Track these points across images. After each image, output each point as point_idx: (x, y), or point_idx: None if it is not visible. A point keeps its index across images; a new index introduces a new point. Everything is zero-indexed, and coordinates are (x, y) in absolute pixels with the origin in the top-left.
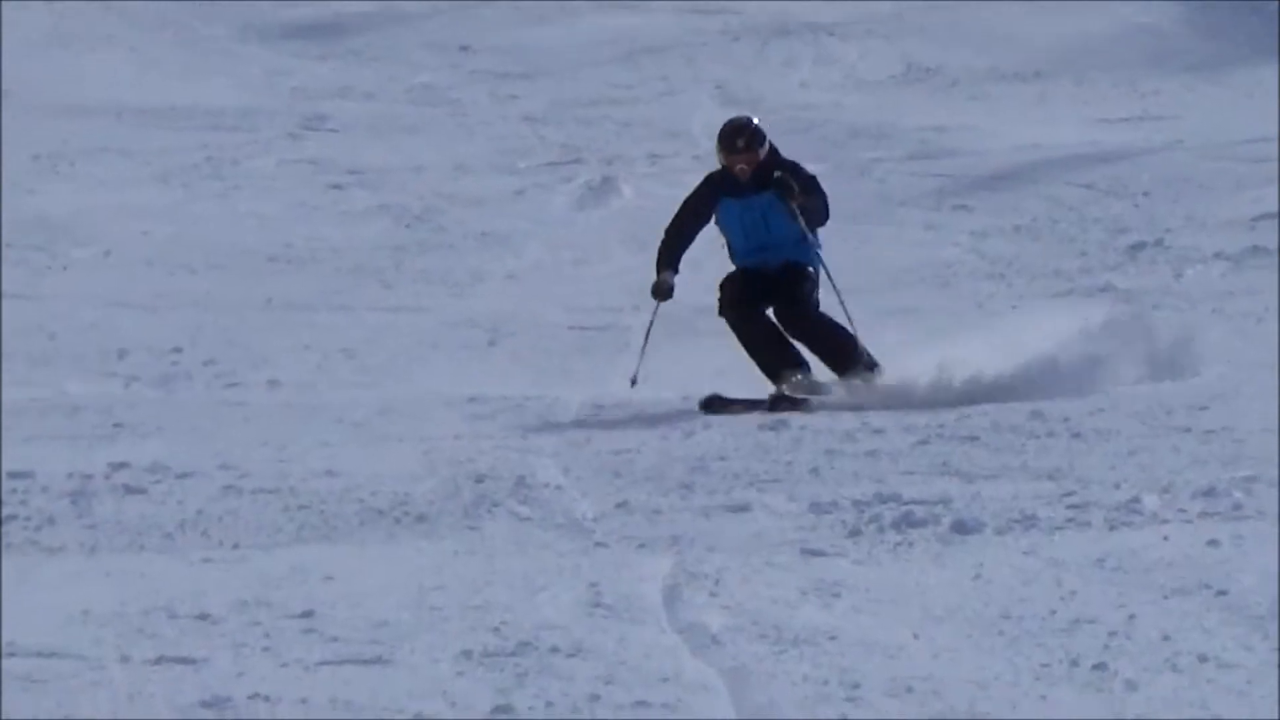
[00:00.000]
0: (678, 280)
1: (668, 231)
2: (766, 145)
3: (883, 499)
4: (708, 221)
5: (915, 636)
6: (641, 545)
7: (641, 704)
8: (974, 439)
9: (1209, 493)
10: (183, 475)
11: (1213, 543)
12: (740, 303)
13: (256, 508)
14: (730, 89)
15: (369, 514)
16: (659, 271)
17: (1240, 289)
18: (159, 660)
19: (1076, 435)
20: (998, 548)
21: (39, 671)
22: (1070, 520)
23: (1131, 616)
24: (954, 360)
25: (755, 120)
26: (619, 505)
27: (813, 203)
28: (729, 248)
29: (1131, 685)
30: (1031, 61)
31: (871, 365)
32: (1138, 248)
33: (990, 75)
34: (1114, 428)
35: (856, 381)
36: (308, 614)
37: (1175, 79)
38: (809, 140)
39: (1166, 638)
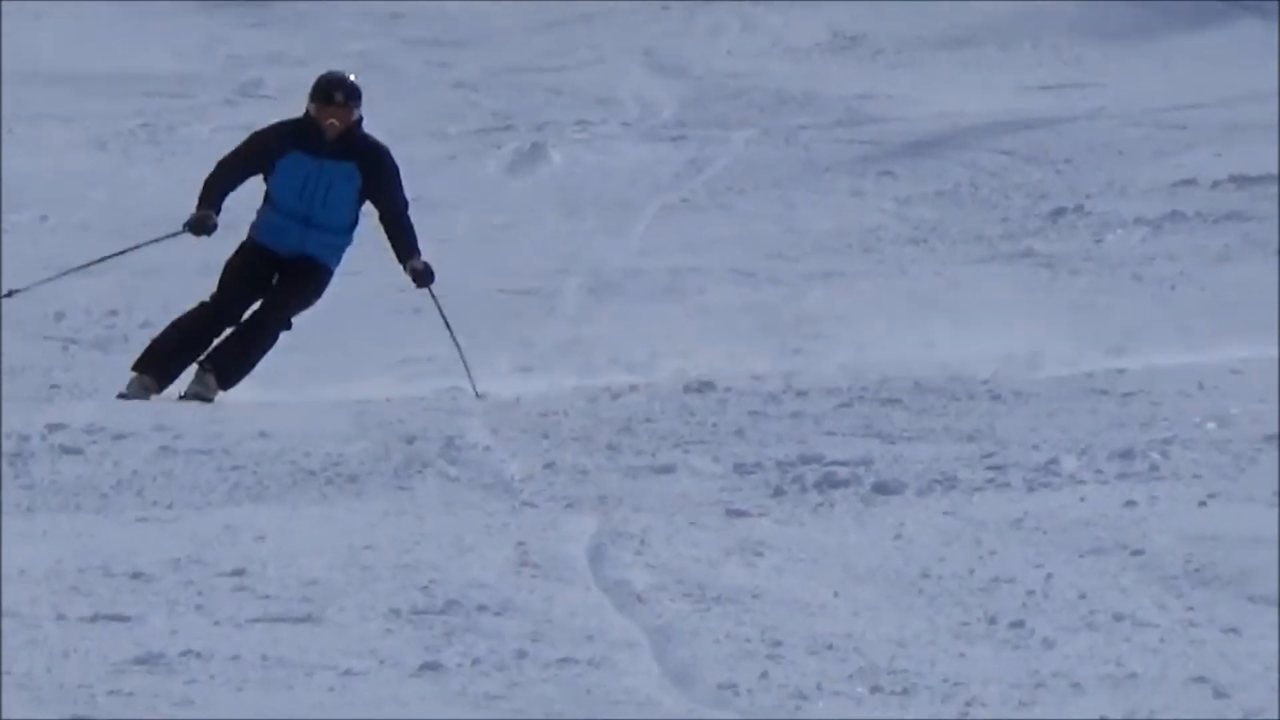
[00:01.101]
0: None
1: (222, 164)
2: (360, 107)
3: (805, 460)
4: (266, 169)
5: (836, 595)
6: (568, 505)
7: (567, 661)
8: (895, 401)
9: (1126, 455)
10: (118, 436)
11: (1129, 503)
12: (227, 299)
13: (191, 468)
14: (658, 56)
15: (301, 475)
16: (201, 206)
17: (1159, 254)
18: (94, 618)
19: (996, 397)
20: (918, 508)
21: None
22: (989, 481)
23: (1049, 576)
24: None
25: (353, 77)
26: (546, 466)
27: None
28: (269, 199)
29: (1049, 643)
30: (956, 29)
31: (225, 387)
32: (1058, 213)
33: (915, 43)
34: (1033, 390)
35: (203, 383)
36: (239, 572)
37: (1097, 47)
38: (736, 106)
39: (1083, 596)
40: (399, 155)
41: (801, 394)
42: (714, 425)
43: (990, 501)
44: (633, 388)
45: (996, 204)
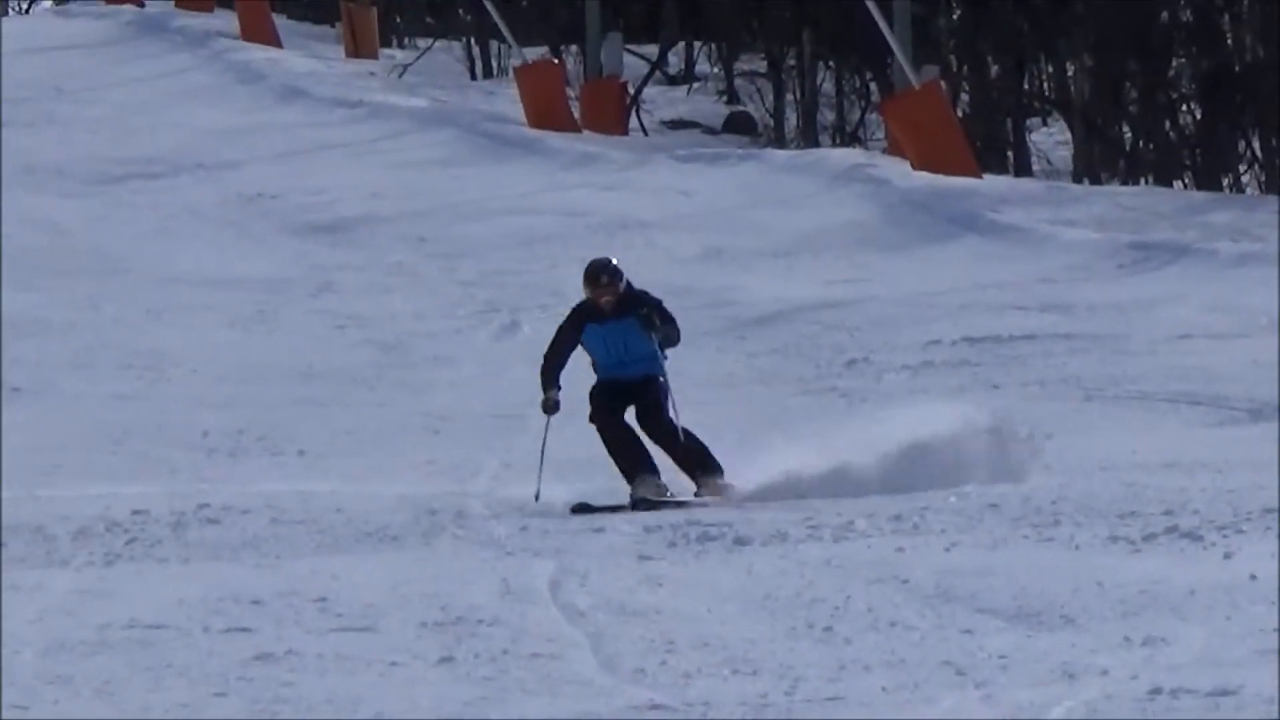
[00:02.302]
0: (561, 396)
1: (547, 356)
2: (624, 280)
3: (689, 523)
4: (577, 345)
5: (709, 611)
6: (536, 554)
7: (536, 655)
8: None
9: (898, 518)
10: (244, 511)
11: (899, 549)
12: (605, 410)
13: (290, 532)
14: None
15: (361, 535)
16: (545, 390)
17: (918, 388)
18: (227, 630)
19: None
20: (762, 554)
21: (151, 637)
22: (809, 535)
23: (848, 597)
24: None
25: (614, 260)
26: (522, 529)
27: (668, 331)
28: (594, 364)
29: (848, 640)
30: (784, 244)
31: (718, 469)
32: (852, 362)
33: (757, 253)
34: (835, 479)
35: (712, 486)
36: (322, 599)
37: (875, 255)
38: None
39: (870, 609)
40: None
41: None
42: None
43: (809, 548)
44: (576, 477)
45: (811, 356)
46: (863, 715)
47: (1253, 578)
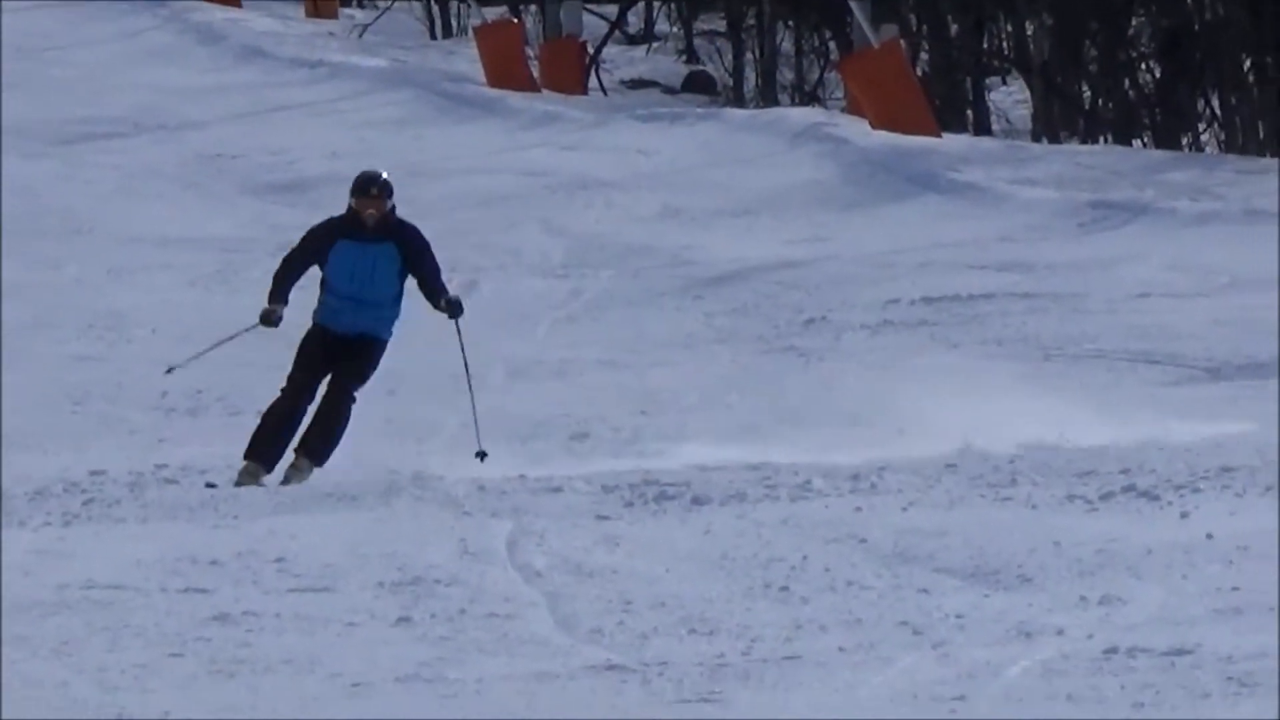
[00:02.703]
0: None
1: (284, 262)
2: (393, 200)
3: (647, 482)
4: (320, 257)
5: (667, 570)
6: (494, 514)
7: (492, 615)
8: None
9: (855, 476)
10: (202, 471)
11: (857, 509)
12: (303, 375)
13: (249, 493)
14: (550, 223)
15: (320, 496)
16: (271, 300)
17: (877, 348)
18: (186, 590)
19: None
20: (720, 513)
21: (109, 597)
22: (766, 495)
23: (805, 556)
24: None
25: (385, 174)
26: (480, 488)
27: (457, 311)
28: (326, 285)
29: (805, 600)
30: (743, 203)
31: (322, 461)
32: (810, 321)
33: (716, 212)
34: (793, 439)
35: (301, 468)
36: (281, 559)
37: (833, 214)
38: (602, 255)
39: (827, 569)
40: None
41: (650, 437)
42: (588, 460)
43: (767, 508)
44: (534, 436)
45: (770, 316)
46: (819, 675)
47: (1209, 537)
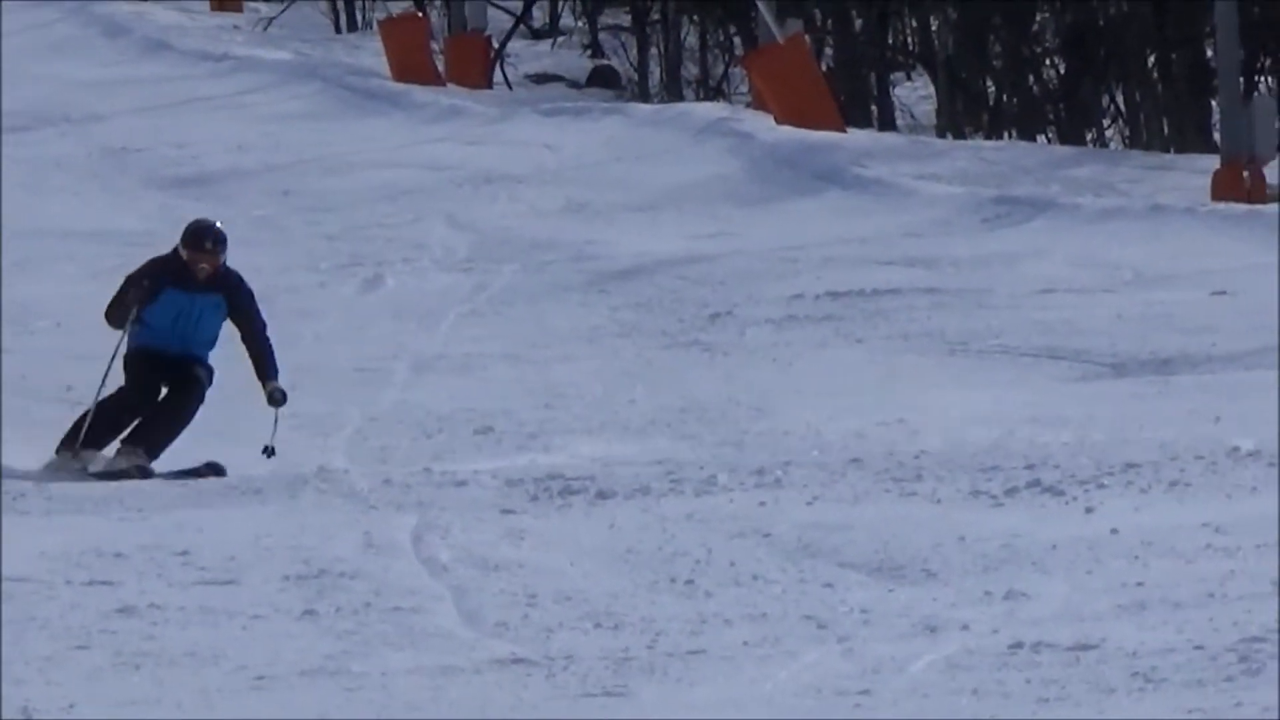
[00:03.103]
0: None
1: (112, 308)
2: (225, 252)
3: (552, 476)
4: (148, 303)
5: (572, 564)
6: (399, 507)
7: (397, 609)
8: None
9: (760, 472)
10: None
11: (762, 504)
12: (141, 384)
13: (154, 486)
14: (455, 218)
15: (225, 490)
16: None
17: (780, 342)
18: (90, 582)
19: (679, 435)
20: (625, 507)
21: (13, 590)
22: (671, 489)
23: (709, 551)
24: None
25: (220, 225)
26: (385, 482)
27: (282, 400)
28: (146, 325)
29: (709, 594)
30: (647, 198)
31: (152, 452)
32: (715, 316)
33: (620, 207)
34: (698, 434)
35: (130, 454)
36: (185, 552)
37: (737, 209)
38: (506, 249)
39: (732, 564)
40: (289, 284)
41: (555, 432)
42: (493, 454)
43: (672, 503)
44: (439, 430)
45: (674, 310)
46: (724, 669)
47: (1114, 532)
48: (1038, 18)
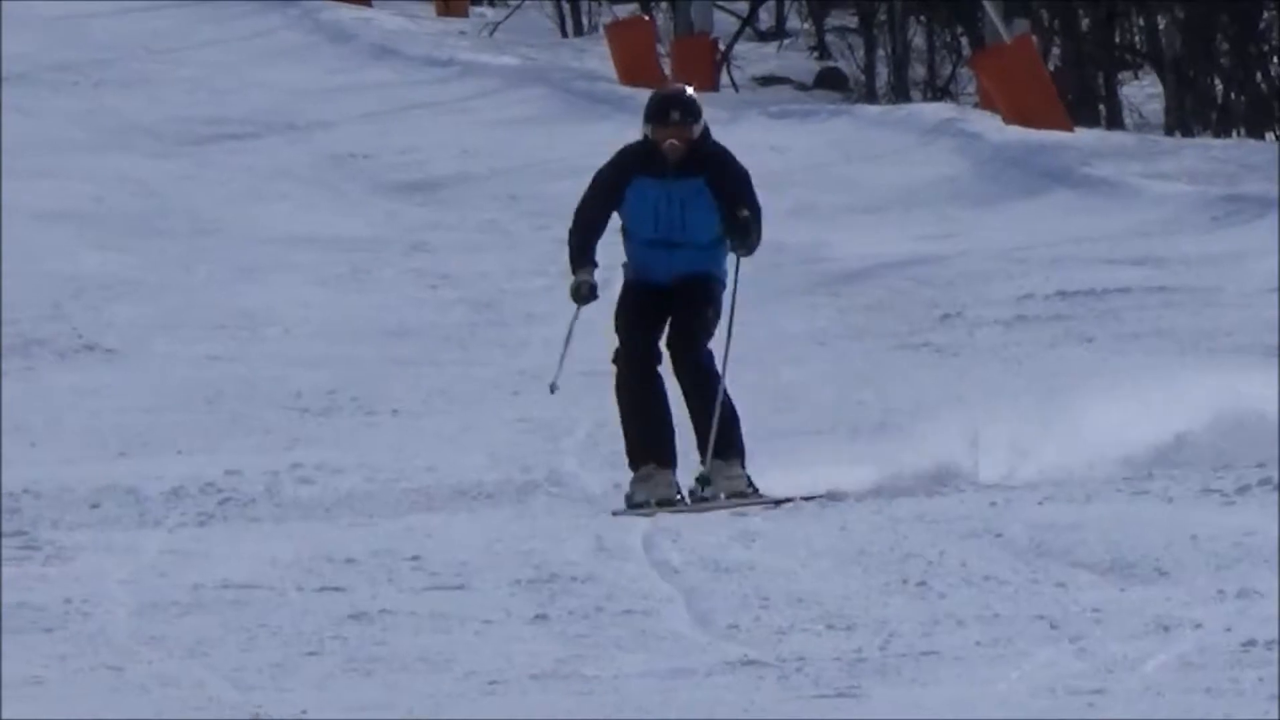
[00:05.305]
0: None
1: (578, 220)
2: (702, 123)
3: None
4: (617, 205)
5: (803, 566)
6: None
7: (629, 611)
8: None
9: None
10: (336, 471)
11: (993, 504)
12: (636, 344)
13: (384, 491)
14: None
15: (455, 494)
16: (575, 270)
17: (1011, 343)
18: (321, 589)
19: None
20: (857, 510)
21: (245, 597)
22: (902, 490)
23: (942, 552)
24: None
25: (690, 91)
26: (615, 485)
27: (751, 241)
28: (627, 232)
29: (942, 595)
30: (875, 199)
31: (740, 454)
32: (945, 317)
33: (847, 209)
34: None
35: (729, 476)
36: (416, 558)
37: (965, 210)
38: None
39: (964, 564)
40: (516, 288)
41: (786, 434)
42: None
43: (903, 504)
44: None
45: (904, 312)
46: (957, 669)
47: None
48: (1265, 15)
